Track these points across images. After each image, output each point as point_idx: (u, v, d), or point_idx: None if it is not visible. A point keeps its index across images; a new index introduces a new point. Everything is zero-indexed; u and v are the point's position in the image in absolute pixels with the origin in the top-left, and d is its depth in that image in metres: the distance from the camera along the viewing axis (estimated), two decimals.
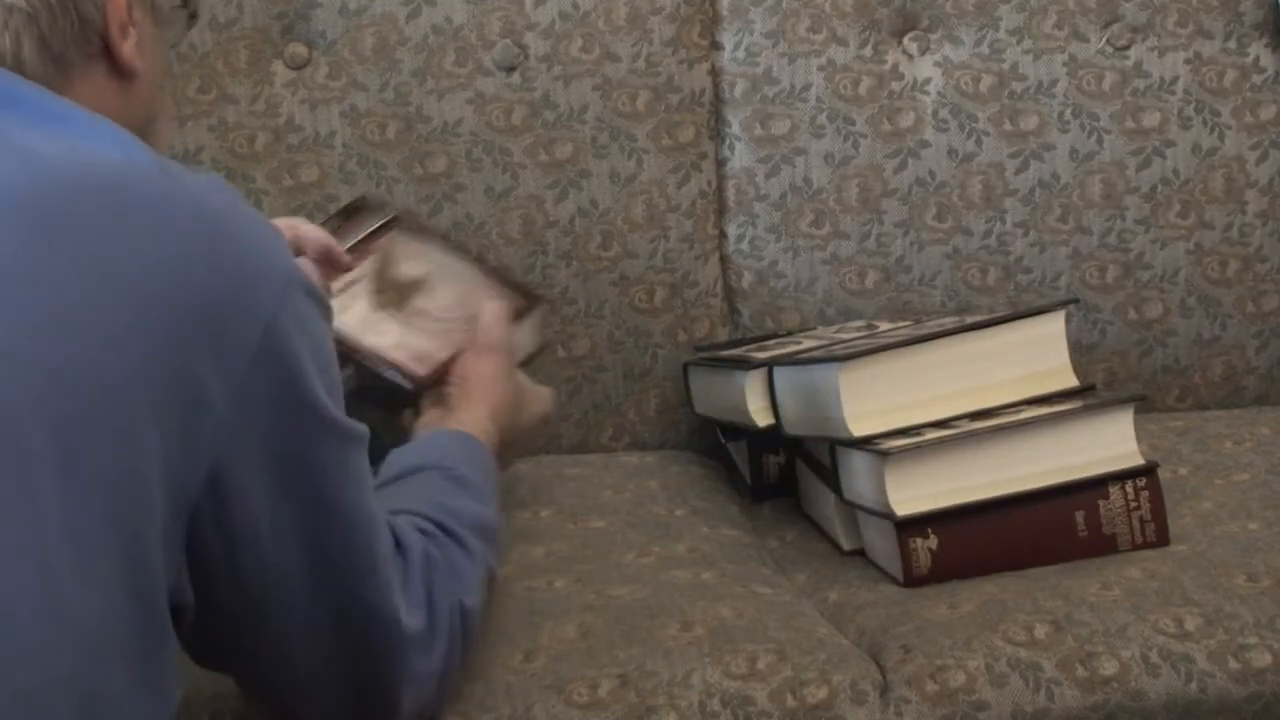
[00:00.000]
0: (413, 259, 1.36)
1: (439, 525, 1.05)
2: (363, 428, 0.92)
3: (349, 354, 1.28)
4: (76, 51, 0.95)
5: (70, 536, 0.78)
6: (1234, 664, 1.11)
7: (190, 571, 0.86)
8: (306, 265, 1.28)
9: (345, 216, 1.39)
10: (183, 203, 0.86)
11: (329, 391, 0.89)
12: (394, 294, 1.34)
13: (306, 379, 0.87)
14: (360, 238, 1.36)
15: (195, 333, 0.83)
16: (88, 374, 0.80)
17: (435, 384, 1.29)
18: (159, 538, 0.82)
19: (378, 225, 1.37)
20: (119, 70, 0.98)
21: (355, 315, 1.33)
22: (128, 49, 0.97)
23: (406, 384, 1.29)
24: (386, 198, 1.52)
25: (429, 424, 1.25)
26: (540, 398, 1.34)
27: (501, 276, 1.41)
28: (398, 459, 1.16)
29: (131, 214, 0.84)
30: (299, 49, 1.57)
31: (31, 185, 0.83)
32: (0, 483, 0.77)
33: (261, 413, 0.86)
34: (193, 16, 1.10)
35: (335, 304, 1.30)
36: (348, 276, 1.33)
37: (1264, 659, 1.11)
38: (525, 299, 1.39)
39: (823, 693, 1.08)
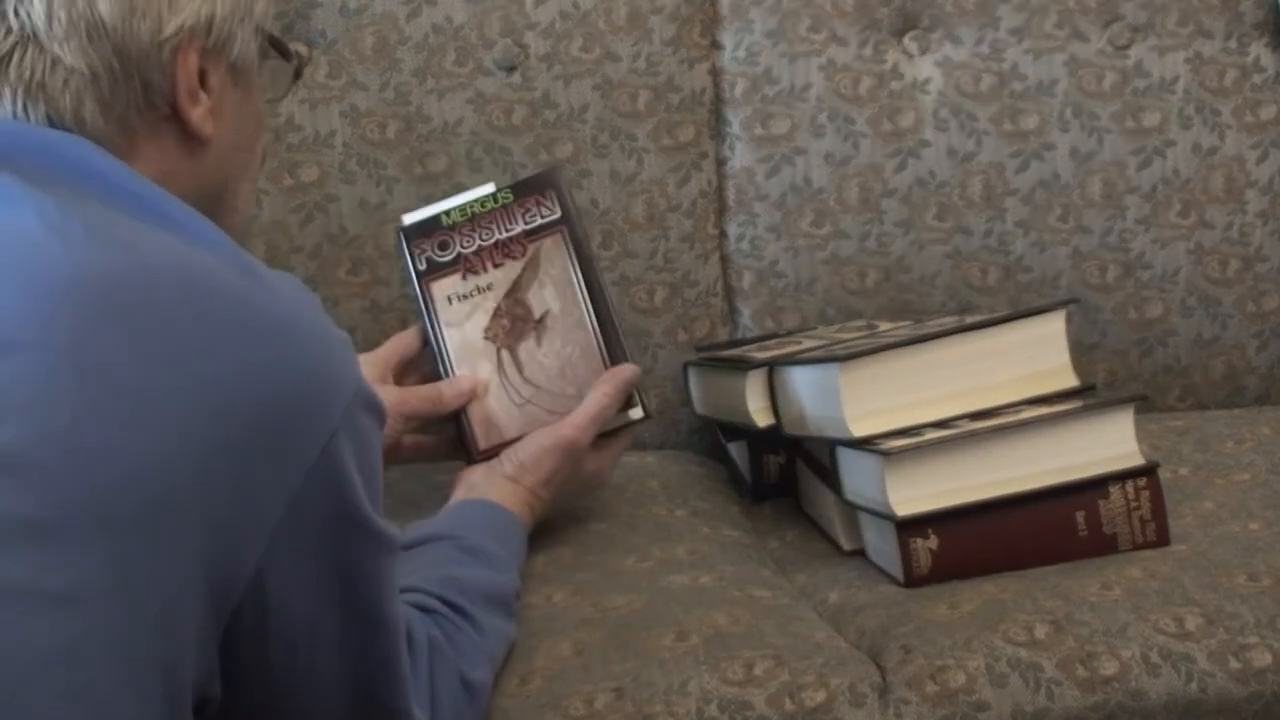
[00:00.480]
0: (551, 285, 1.33)
1: (443, 600, 1.06)
2: (396, 532, 0.92)
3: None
4: (140, 117, 0.93)
5: (111, 629, 0.78)
6: (1234, 664, 1.11)
7: (222, 665, 0.86)
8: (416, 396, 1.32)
9: (521, 191, 1.35)
10: (261, 308, 0.85)
11: (372, 501, 0.89)
12: (509, 325, 1.33)
13: (356, 492, 0.87)
14: (521, 230, 1.34)
15: (256, 440, 0.82)
16: (147, 472, 0.79)
17: (487, 458, 1.30)
18: (193, 633, 0.82)
19: (544, 222, 1.34)
20: (189, 136, 0.95)
21: (464, 336, 1.33)
22: (198, 115, 0.95)
23: (470, 446, 1.31)
24: (570, 181, 1.44)
25: (468, 484, 1.28)
26: (594, 473, 1.32)
27: (616, 350, 1.32)
28: (415, 529, 1.17)
29: (210, 314, 0.83)
30: (299, 48, 1.57)
31: (118, 275, 0.82)
32: (49, 571, 0.77)
33: (310, 523, 0.85)
34: (298, 74, 1.08)
35: (456, 309, 1.33)
36: (483, 279, 1.33)
37: (1264, 659, 1.11)
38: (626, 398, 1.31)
39: (821, 695, 1.07)
